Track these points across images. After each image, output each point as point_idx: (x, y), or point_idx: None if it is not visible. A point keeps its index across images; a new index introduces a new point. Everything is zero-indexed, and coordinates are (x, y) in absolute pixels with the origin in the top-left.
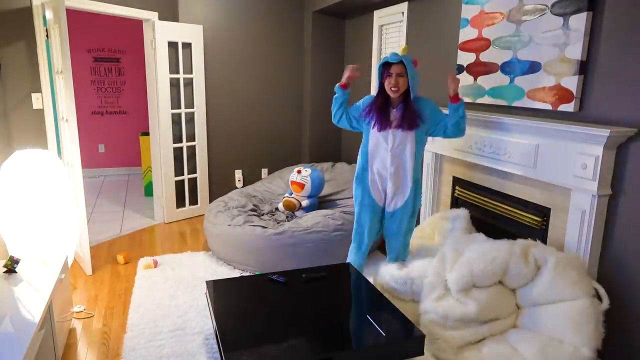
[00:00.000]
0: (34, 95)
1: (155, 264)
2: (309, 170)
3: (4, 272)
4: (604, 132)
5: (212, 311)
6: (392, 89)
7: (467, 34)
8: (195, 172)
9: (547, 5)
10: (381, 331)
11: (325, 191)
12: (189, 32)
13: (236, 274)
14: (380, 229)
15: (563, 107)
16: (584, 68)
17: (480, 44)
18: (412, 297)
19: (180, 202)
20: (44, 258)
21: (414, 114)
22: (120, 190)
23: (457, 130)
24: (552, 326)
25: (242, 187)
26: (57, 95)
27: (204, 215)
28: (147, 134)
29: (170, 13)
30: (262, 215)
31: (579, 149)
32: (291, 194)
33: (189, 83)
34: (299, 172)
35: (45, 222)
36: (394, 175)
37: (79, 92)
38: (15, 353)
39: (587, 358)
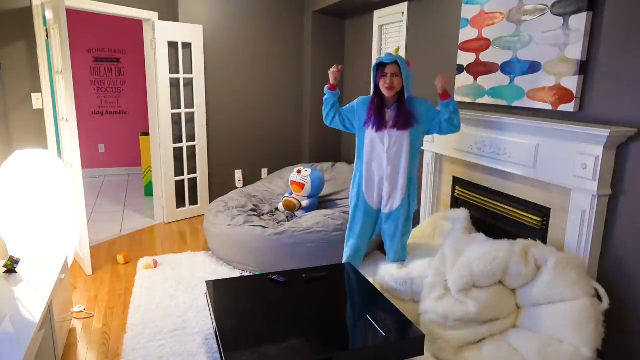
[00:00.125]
0: (34, 95)
1: (155, 264)
2: (309, 170)
3: (4, 272)
4: (604, 132)
5: (212, 311)
6: (387, 88)
7: (467, 34)
8: (195, 172)
9: (547, 5)
10: (381, 331)
11: (325, 191)
12: (189, 32)
13: (236, 274)
14: (373, 233)
15: (563, 107)
16: (584, 68)
17: (480, 44)
18: (412, 297)
19: (180, 202)
20: (44, 258)
21: (408, 114)
22: (120, 190)
23: (451, 126)
24: (552, 326)
25: (242, 187)
26: (57, 95)
27: (204, 215)
28: (147, 134)
29: (170, 13)
30: (262, 215)
31: (579, 149)
32: (291, 194)
33: (189, 83)
34: (299, 172)
35: (45, 222)
36: (390, 175)
37: (79, 92)
38: (15, 353)
39: (587, 358)
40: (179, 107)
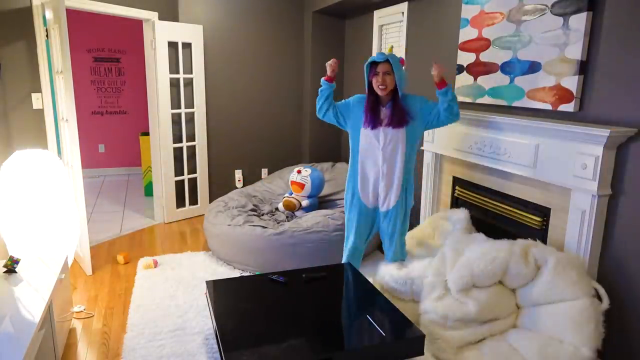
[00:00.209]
0: (34, 95)
1: (155, 264)
2: (309, 170)
3: (4, 272)
4: (604, 132)
5: (212, 311)
6: (380, 87)
7: (467, 34)
8: (195, 172)
9: (547, 5)
10: (381, 331)
11: (325, 191)
12: (189, 32)
13: (236, 274)
14: (371, 232)
15: (563, 107)
16: (584, 68)
17: (480, 44)
18: (412, 297)
19: (180, 202)
20: (44, 258)
21: (403, 111)
22: (120, 190)
23: (451, 115)
24: (552, 326)
25: (242, 187)
26: (57, 95)
27: (204, 215)
28: (147, 134)
29: (170, 13)
30: (262, 215)
31: (579, 149)
32: (291, 194)
33: (189, 83)
34: (299, 172)
35: (45, 222)
36: (386, 174)
37: (79, 92)
38: (15, 353)
39: (587, 358)
40: (179, 107)
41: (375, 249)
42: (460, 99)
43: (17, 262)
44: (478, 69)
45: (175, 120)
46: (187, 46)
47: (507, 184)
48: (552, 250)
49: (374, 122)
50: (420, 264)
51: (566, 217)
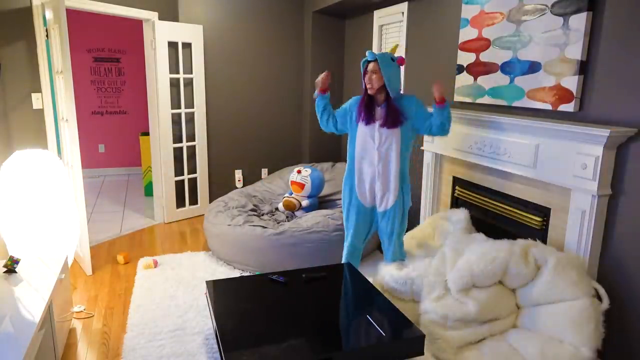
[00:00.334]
0: (34, 95)
1: (155, 264)
2: (309, 170)
3: (4, 272)
4: (604, 132)
5: (212, 311)
6: (367, 85)
7: (467, 34)
8: (195, 172)
9: (547, 5)
10: (381, 331)
11: (325, 191)
12: (189, 32)
13: (236, 274)
14: (369, 232)
15: (563, 107)
16: (584, 68)
17: (480, 44)
18: (412, 297)
19: (180, 202)
20: (44, 258)
21: (396, 112)
22: (120, 190)
23: (442, 131)
24: (552, 326)
25: (242, 187)
26: (57, 95)
27: (204, 215)
28: (147, 134)
29: (170, 13)
30: (262, 215)
31: (579, 149)
32: (291, 194)
33: (189, 83)
34: (299, 172)
35: (45, 222)
36: (382, 174)
37: (79, 92)
38: (15, 353)
39: (587, 358)
40: (179, 107)
41: (375, 249)
42: (460, 99)
43: (17, 262)
44: (478, 69)
45: (175, 120)
46: (187, 46)
47: (507, 184)
48: (552, 250)
49: (367, 118)
50: (420, 264)
51: (566, 217)
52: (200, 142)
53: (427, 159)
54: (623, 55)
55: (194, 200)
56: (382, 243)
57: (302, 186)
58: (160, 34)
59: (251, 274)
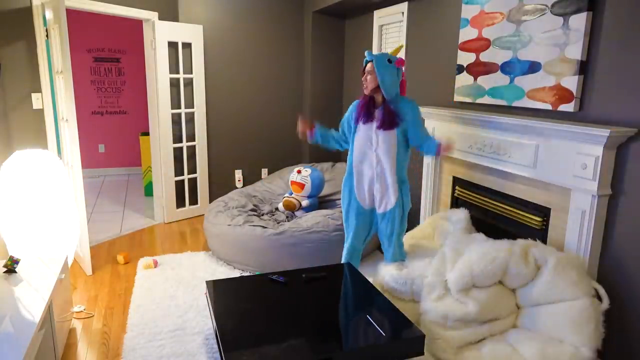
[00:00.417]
0: (34, 95)
1: (155, 264)
2: (309, 170)
3: (4, 272)
4: (604, 132)
5: (212, 311)
6: (363, 85)
7: (467, 34)
8: (195, 172)
9: (547, 5)
10: (381, 331)
11: (325, 191)
12: (189, 32)
13: (236, 274)
14: (369, 233)
15: (563, 107)
16: (584, 68)
17: (480, 44)
18: (412, 297)
19: (180, 202)
20: (44, 258)
21: (392, 114)
22: (120, 190)
23: (420, 153)
24: (552, 326)
25: (242, 187)
26: (57, 95)
27: (204, 215)
28: (147, 134)
29: (170, 13)
30: (262, 215)
31: (579, 149)
32: (291, 194)
33: (189, 83)
34: (299, 172)
35: (45, 222)
36: (380, 175)
37: (79, 92)
38: (15, 353)
39: (587, 358)
40: (179, 107)
41: (375, 249)
42: (460, 99)
43: (17, 262)
44: (478, 69)
45: (175, 120)
46: (187, 46)
47: (507, 184)
48: (552, 250)
49: (365, 117)
50: (420, 264)
51: (566, 217)
52: (200, 142)
53: (427, 159)
54: (623, 55)
55: (194, 200)
56: (382, 244)
57: (302, 186)
58: (160, 34)
59: (251, 274)
